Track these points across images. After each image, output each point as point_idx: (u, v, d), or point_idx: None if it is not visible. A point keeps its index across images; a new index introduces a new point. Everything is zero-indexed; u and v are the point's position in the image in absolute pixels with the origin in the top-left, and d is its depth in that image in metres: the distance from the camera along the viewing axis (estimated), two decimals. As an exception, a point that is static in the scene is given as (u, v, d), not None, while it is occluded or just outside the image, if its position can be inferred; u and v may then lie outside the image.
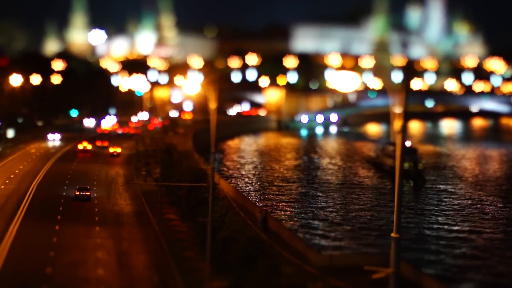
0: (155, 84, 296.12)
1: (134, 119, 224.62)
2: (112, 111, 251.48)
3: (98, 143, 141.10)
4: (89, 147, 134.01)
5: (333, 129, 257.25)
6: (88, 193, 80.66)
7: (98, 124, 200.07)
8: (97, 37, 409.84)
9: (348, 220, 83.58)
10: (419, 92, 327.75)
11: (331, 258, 53.93)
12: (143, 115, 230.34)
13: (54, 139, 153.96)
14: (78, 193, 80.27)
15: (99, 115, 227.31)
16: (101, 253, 55.09)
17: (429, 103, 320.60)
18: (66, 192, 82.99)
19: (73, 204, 75.88)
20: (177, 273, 50.05)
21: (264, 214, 66.37)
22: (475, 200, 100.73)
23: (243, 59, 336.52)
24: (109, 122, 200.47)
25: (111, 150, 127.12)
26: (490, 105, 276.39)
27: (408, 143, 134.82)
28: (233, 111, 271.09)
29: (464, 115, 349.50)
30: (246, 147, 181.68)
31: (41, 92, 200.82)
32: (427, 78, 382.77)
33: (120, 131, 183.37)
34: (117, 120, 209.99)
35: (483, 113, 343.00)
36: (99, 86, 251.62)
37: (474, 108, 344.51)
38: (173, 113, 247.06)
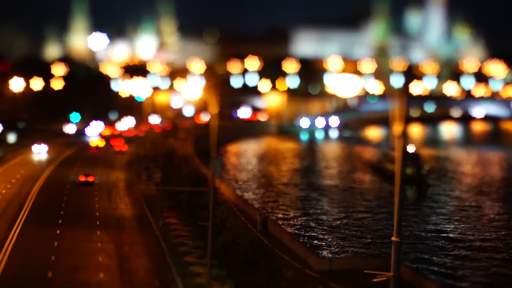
0: (156, 89, 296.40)
1: (119, 125, 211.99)
2: (113, 116, 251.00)
3: (113, 142, 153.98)
4: (101, 144, 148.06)
5: (333, 134, 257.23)
6: (92, 179, 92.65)
7: (82, 130, 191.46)
8: (97, 41, 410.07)
9: (348, 224, 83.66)
10: (420, 96, 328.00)
11: (331, 261, 53.99)
12: (129, 121, 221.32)
13: (39, 152, 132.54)
14: (83, 178, 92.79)
15: (100, 120, 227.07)
16: (102, 257, 55.20)
17: (429, 107, 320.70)
18: (66, 197, 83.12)
19: (74, 208, 75.84)
20: (177, 277, 50.15)
21: (264, 217, 66.51)
22: (478, 205, 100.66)
23: (243, 64, 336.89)
24: (94, 128, 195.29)
25: (117, 148, 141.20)
26: (489, 109, 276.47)
27: (411, 148, 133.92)
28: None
29: (464, 120, 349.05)
30: (247, 151, 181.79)
31: (42, 97, 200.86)
32: (427, 82, 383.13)
33: (126, 135, 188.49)
34: (105, 126, 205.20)
35: (467, 119, 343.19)
36: (100, 91, 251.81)
37: (456, 113, 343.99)
38: (154, 119, 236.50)
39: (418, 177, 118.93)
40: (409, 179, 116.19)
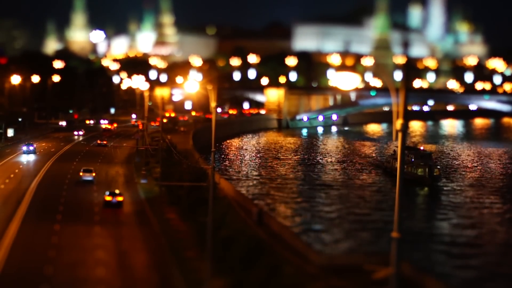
0: (155, 82, 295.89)
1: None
2: (112, 109, 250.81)
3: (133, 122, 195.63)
4: (109, 126, 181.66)
5: (334, 128, 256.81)
6: (106, 142, 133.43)
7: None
8: (97, 37, 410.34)
9: (349, 220, 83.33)
10: (420, 90, 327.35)
11: (331, 257, 53.73)
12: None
13: None
14: (99, 142, 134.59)
15: (99, 114, 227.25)
16: (101, 253, 54.97)
17: (430, 102, 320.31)
18: (66, 192, 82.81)
19: (73, 203, 75.52)
20: (177, 272, 49.92)
21: (259, 209, 66.39)
22: (481, 201, 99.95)
23: (244, 58, 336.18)
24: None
25: (140, 126, 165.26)
26: (490, 104, 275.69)
27: (421, 147, 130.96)
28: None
29: (465, 114, 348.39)
30: (247, 146, 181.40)
31: (41, 91, 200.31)
32: (428, 77, 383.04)
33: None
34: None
35: (467, 113, 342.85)
36: (100, 84, 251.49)
37: (456, 108, 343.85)
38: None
39: (430, 178, 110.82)
40: (420, 180, 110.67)
